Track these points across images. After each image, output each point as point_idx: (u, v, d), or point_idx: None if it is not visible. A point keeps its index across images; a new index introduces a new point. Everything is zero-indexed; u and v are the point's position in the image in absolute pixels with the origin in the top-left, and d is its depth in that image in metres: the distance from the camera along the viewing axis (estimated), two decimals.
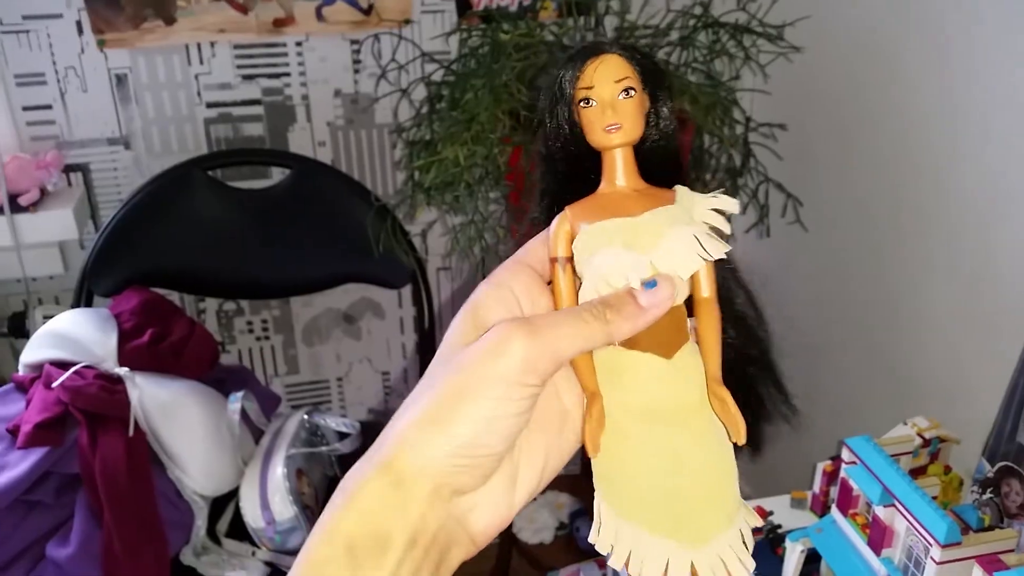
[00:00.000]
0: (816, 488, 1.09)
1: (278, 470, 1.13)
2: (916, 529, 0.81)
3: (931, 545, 0.79)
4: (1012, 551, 0.79)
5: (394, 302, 1.65)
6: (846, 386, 1.39)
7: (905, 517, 0.82)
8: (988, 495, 1.01)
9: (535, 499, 1.59)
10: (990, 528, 0.96)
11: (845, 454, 0.92)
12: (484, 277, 0.40)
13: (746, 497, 0.44)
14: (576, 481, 1.67)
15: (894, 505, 0.84)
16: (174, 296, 1.48)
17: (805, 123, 1.33)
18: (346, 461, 1.29)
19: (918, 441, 1.00)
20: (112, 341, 1.17)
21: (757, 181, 1.21)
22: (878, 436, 1.03)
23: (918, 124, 1.14)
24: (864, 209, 1.27)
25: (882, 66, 1.19)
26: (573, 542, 1.48)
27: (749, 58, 1.17)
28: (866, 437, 0.92)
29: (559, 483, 1.64)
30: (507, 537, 1.52)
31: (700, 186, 1.19)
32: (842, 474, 0.92)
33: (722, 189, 0.39)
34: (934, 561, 0.79)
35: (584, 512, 1.49)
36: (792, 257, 1.50)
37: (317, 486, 1.23)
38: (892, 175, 1.20)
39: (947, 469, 1.04)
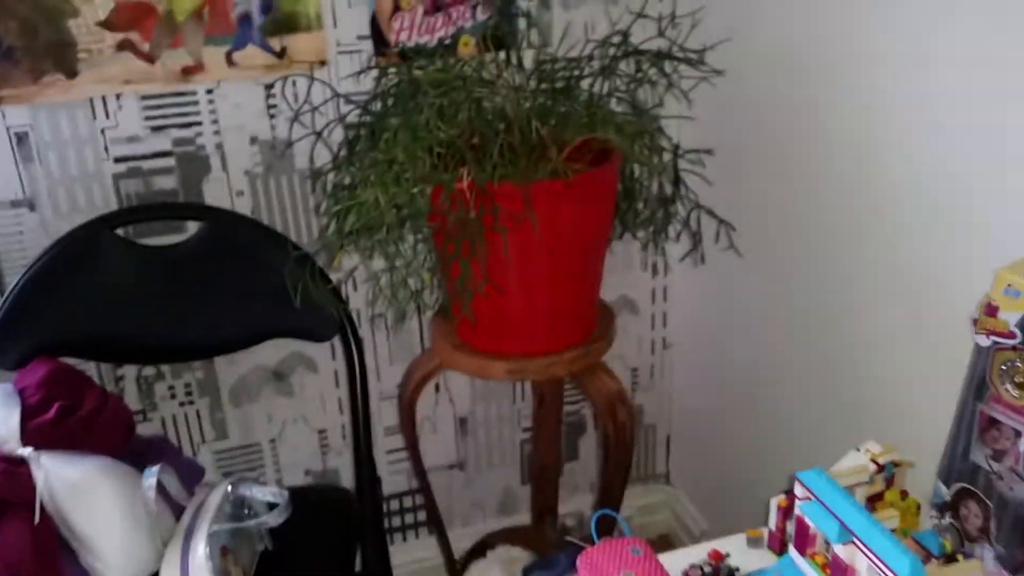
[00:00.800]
0: (772, 525, 1.05)
1: (199, 550, 1.05)
2: (878, 567, 0.77)
3: None
4: None
5: (327, 354, 1.57)
6: (794, 413, 1.36)
7: (866, 555, 0.78)
8: (947, 520, 0.98)
9: (485, 555, 1.52)
10: (952, 556, 0.93)
11: (798, 489, 0.88)
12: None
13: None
14: (528, 533, 1.61)
15: (853, 542, 0.80)
16: (89, 366, 1.39)
17: (733, 146, 1.31)
18: (281, 532, 1.21)
19: (872, 468, 0.96)
20: (14, 419, 1.08)
21: (688, 208, 1.18)
22: (831, 462, 0.99)
23: (845, 140, 1.13)
24: (800, 230, 1.25)
25: (805, 84, 1.18)
26: None
27: (672, 84, 1.14)
28: (817, 470, 0.88)
29: (513, 536, 1.58)
30: None
31: (632, 216, 1.15)
32: (796, 512, 0.88)
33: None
34: None
35: (536, 566, 1.43)
36: (729, 284, 1.47)
37: (246, 563, 1.14)
38: (825, 194, 1.18)
39: (904, 494, 1.00)
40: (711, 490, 1.77)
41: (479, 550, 1.54)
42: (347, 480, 1.67)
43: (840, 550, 0.81)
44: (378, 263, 1.10)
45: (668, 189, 1.16)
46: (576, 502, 1.85)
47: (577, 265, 1.09)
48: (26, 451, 1.05)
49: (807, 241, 1.24)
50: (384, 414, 1.66)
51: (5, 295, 1.23)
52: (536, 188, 0.96)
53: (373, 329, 1.57)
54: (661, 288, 1.74)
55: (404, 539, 1.78)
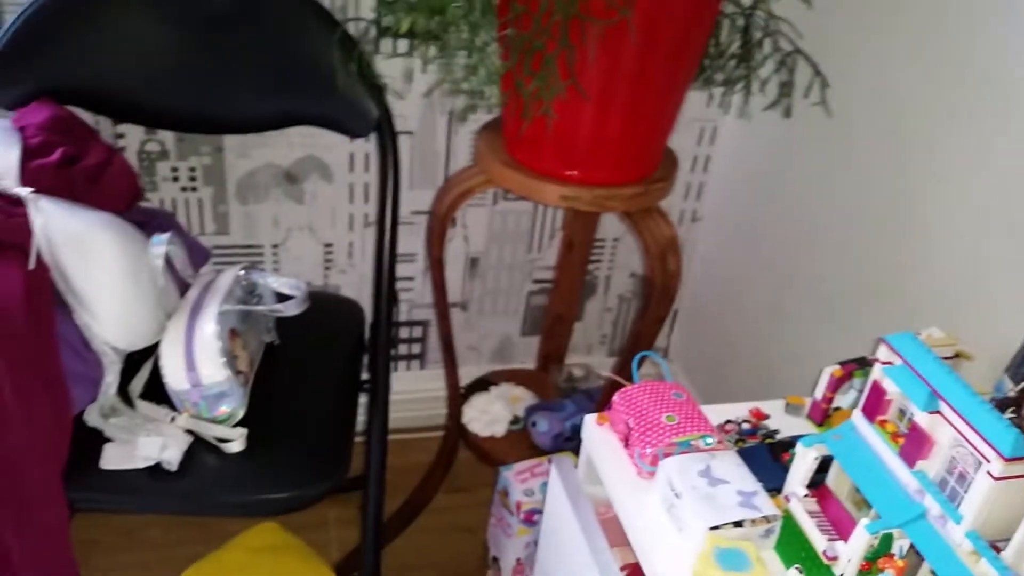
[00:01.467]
0: (819, 394, 0.99)
1: (208, 327, 0.96)
2: (968, 439, 0.70)
3: (987, 460, 0.68)
4: None
5: (344, 165, 1.46)
6: (851, 289, 1.28)
7: (954, 425, 0.72)
8: (1010, 414, 0.92)
9: (489, 390, 1.46)
10: None
11: (882, 352, 0.81)
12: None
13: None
14: (533, 376, 1.55)
15: (940, 412, 0.74)
16: (88, 119, 1.26)
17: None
18: (287, 326, 1.12)
19: (949, 348, 0.90)
20: (13, 156, 0.97)
21: (783, 51, 1.07)
22: (866, 348, 0.92)
23: (963, 22, 1.01)
24: (887, 95, 1.14)
25: None
26: (526, 438, 1.36)
27: None
28: (909, 334, 0.81)
29: (515, 376, 1.52)
30: (455, 427, 1.39)
31: (717, 52, 1.01)
32: (875, 375, 0.81)
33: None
34: (991, 476, 0.68)
35: (540, 407, 1.37)
36: (795, 147, 1.37)
37: (253, 351, 1.06)
38: (925, 59, 1.07)
39: None
40: (709, 368, 1.73)
41: (480, 385, 1.47)
42: None
43: (923, 419, 0.74)
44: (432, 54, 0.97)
45: (760, 30, 1.04)
46: (576, 361, 1.80)
47: (663, 87, 0.98)
48: (25, 191, 0.94)
49: (892, 110, 1.13)
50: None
51: (8, 26, 1.09)
52: None
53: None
54: (704, 157, 1.64)
55: (396, 369, 1.72)
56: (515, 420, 1.37)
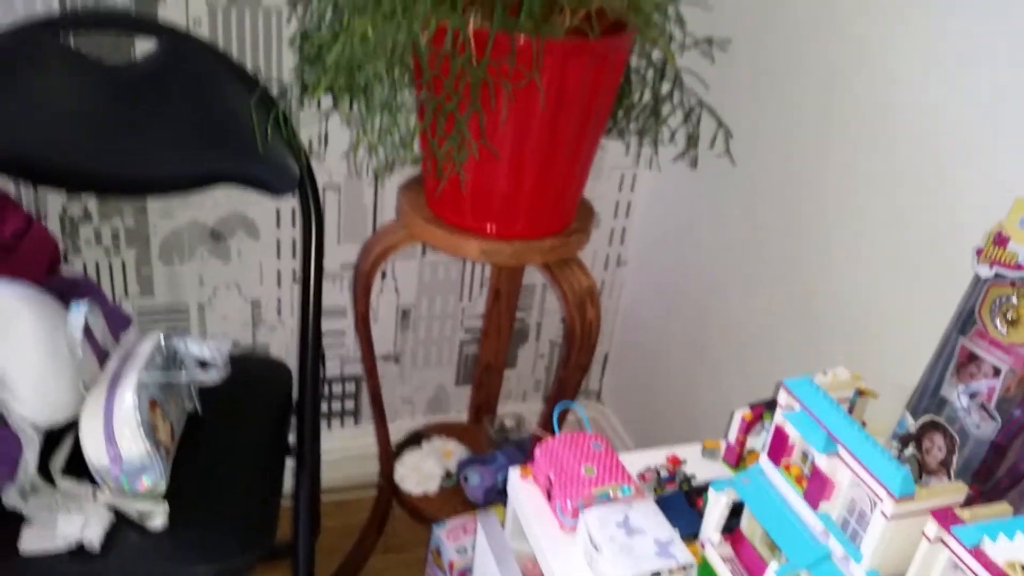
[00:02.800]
0: (732, 437, 1.02)
1: (127, 398, 0.95)
2: (864, 480, 0.74)
3: (881, 499, 0.72)
4: (961, 504, 0.73)
5: (271, 220, 1.46)
6: (751, 334, 1.33)
7: (851, 467, 0.75)
8: (911, 451, 0.97)
9: (421, 445, 1.47)
10: None
11: (782, 397, 0.84)
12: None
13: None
14: (466, 428, 1.56)
15: (838, 454, 0.77)
16: (9, 187, 1.25)
17: (733, 49, 1.24)
18: (211, 392, 1.12)
19: (850, 389, 0.94)
20: None
21: (688, 106, 1.12)
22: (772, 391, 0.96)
23: (858, 56, 1.07)
24: (789, 145, 1.20)
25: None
26: (459, 493, 1.37)
27: None
28: (807, 379, 0.85)
29: (448, 430, 1.53)
30: (387, 486, 1.39)
31: (627, 108, 1.07)
32: (777, 420, 0.85)
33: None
34: (884, 516, 0.72)
35: (473, 461, 1.38)
36: (706, 195, 1.42)
37: (174, 422, 1.06)
38: (824, 111, 1.13)
39: (863, 425, 0.98)
40: (640, 410, 1.76)
41: (413, 440, 1.48)
42: (277, 358, 1.58)
43: (823, 462, 0.78)
44: (358, 111, 1.00)
45: (669, 82, 1.09)
46: (510, 408, 1.81)
47: (573, 143, 1.01)
48: None
49: (799, 155, 1.19)
50: (322, 295, 1.56)
51: None
52: (551, 45, 0.88)
53: (325, 200, 1.47)
54: (626, 203, 1.69)
55: (328, 427, 1.71)
56: (448, 475, 1.38)
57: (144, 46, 1.22)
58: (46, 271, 1.06)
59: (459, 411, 1.79)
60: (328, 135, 1.40)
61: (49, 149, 1.11)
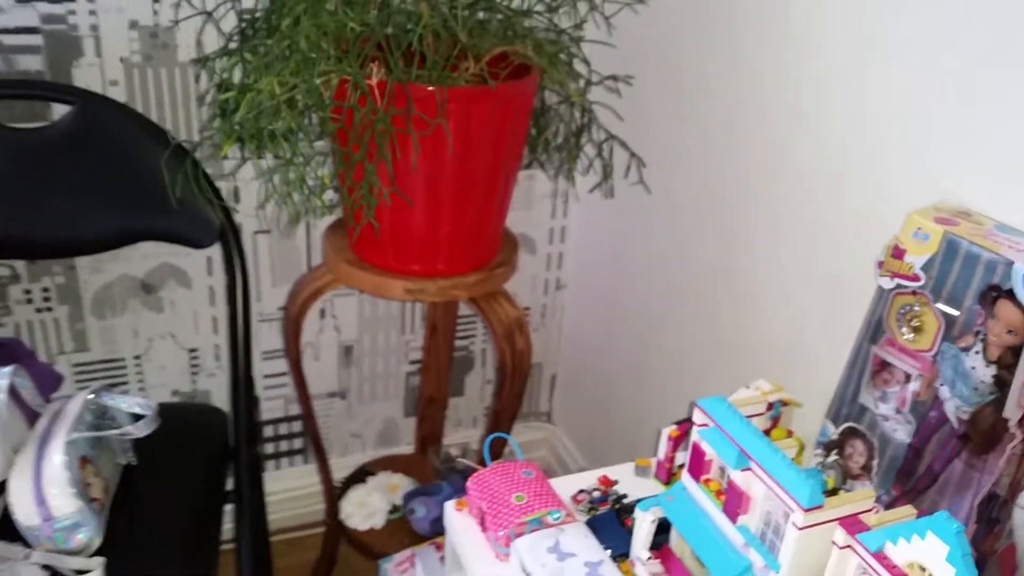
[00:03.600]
0: (661, 455, 1.04)
1: (56, 458, 0.95)
2: (776, 493, 0.76)
3: (793, 510, 0.74)
4: (870, 511, 0.76)
5: (202, 268, 1.47)
6: (686, 351, 1.36)
7: (763, 481, 0.78)
8: (833, 457, 1.00)
9: (366, 481, 1.47)
10: (834, 491, 0.95)
11: (697, 416, 0.87)
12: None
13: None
14: (412, 460, 1.57)
15: (751, 469, 0.80)
16: None
17: (646, 81, 1.28)
18: (146, 445, 1.12)
19: (763, 402, 0.97)
20: None
21: (600, 139, 1.15)
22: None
23: (760, 86, 1.12)
24: (705, 170, 1.24)
25: (726, 25, 1.15)
26: (406, 525, 1.38)
27: (594, 7, 1.10)
28: (720, 398, 0.87)
29: (394, 463, 1.53)
30: (334, 524, 1.40)
31: (543, 143, 1.10)
32: (694, 437, 0.87)
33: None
34: (795, 526, 0.74)
35: (418, 492, 1.39)
36: (627, 225, 1.45)
37: (108, 476, 1.05)
38: (734, 136, 1.17)
39: (789, 433, 1.01)
40: (590, 429, 1.78)
41: (358, 477, 1.48)
42: (219, 403, 1.58)
43: (737, 476, 0.80)
44: (268, 163, 1.01)
45: (580, 118, 1.12)
46: (460, 436, 1.82)
47: (487, 183, 1.04)
48: None
49: (711, 181, 1.23)
50: (262, 338, 1.57)
51: None
52: (453, 93, 0.90)
53: (255, 245, 1.48)
54: (560, 229, 1.71)
55: (277, 467, 1.71)
56: (394, 509, 1.39)
57: (60, 107, 1.23)
58: None
59: (410, 443, 1.80)
60: (254, 181, 1.41)
61: None
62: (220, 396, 1.59)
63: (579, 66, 1.14)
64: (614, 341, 1.61)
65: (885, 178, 0.98)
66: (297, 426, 1.70)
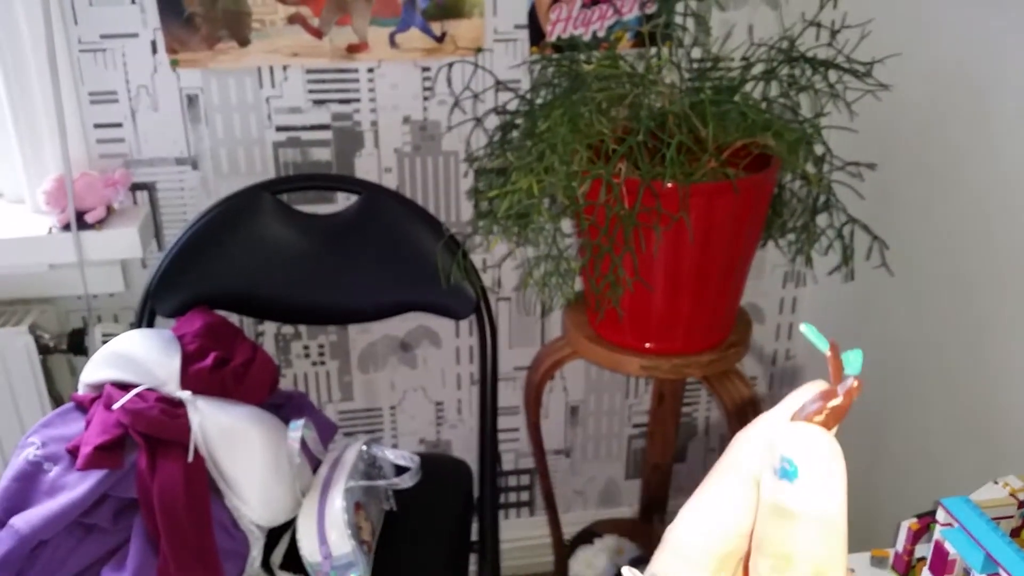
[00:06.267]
0: (900, 547, 1.03)
1: (337, 503, 1.10)
2: None
3: None
4: None
5: (451, 331, 1.62)
6: (926, 437, 1.32)
7: None
8: None
9: (593, 542, 1.54)
10: None
11: (941, 515, 0.86)
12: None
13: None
14: (637, 525, 1.62)
15: (998, 574, 0.79)
16: (234, 319, 1.47)
17: (890, 163, 1.28)
18: (404, 496, 1.26)
19: (1013, 503, 0.94)
20: (175, 363, 1.16)
21: (841, 221, 1.17)
22: (961, 493, 0.97)
23: (1009, 168, 1.09)
24: (952, 254, 1.22)
25: (972, 106, 1.14)
26: None
27: (836, 95, 1.13)
28: (964, 498, 0.87)
29: (619, 527, 1.59)
30: None
31: (780, 225, 1.14)
32: (937, 536, 0.87)
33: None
34: None
35: (645, 558, 1.44)
36: (865, 303, 1.44)
37: (374, 520, 1.20)
38: (982, 219, 1.15)
39: None
40: None
41: (585, 537, 1.56)
42: (457, 452, 1.72)
43: None
44: (526, 250, 1.13)
45: (821, 200, 1.14)
46: (682, 502, 1.84)
47: (724, 270, 1.09)
48: (185, 394, 1.12)
49: (958, 265, 1.20)
50: (500, 395, 1.69)
51: (171, 247, 1.32)
52: (696, 189, 0.97)
53: (497, 311, 1.61)
54: (791, 299, 1.72)
55: (506, 517, 1.82)
56: (619, 573, 1.44)
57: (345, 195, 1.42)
58: (268, 392, 1.24)
59: (631, 503, 1.85)
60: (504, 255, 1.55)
61: (270, 290, 1.31)
62: (459, 446, 1.73)
63: (819, 149, 1.17)
64: (848, 422, 1.58)
65: None
66: (525, 479, 1.80)
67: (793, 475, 0.28)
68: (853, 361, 0.30)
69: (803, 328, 0.32)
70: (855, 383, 0.29)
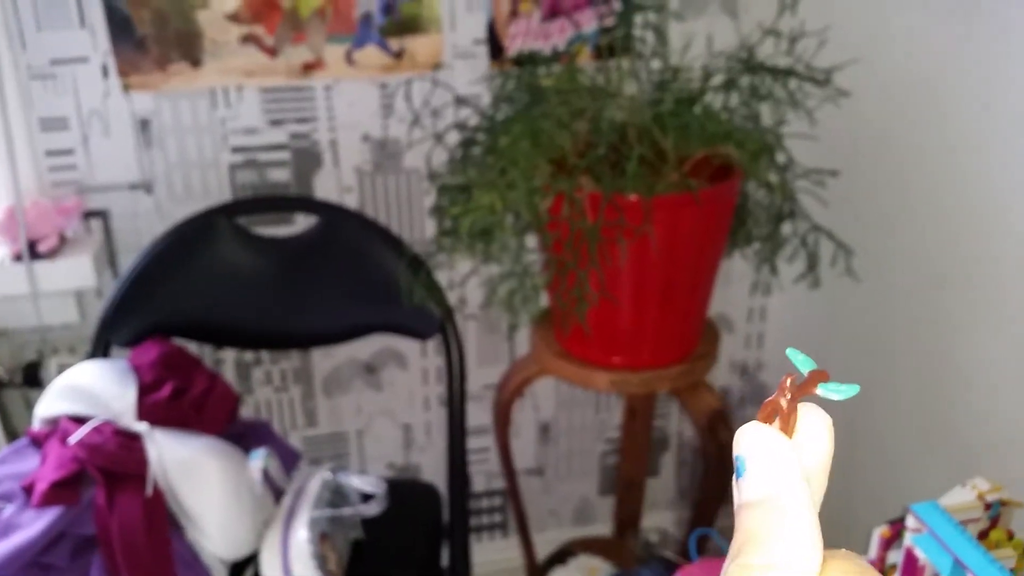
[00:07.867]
0: (873, 555, 1.02)
1: (301, 534, 1.07)
2: None
3: None
4: None
5: (417, 352, 1.59)
6: (895, 442, 1.32)
7: None
8: None
9: (567, 562, 1.52)
10: None
11: (910, 521, 0.86)
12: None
13: None
14: (611, 543, 1.60)
15: None
16: (193, 346, 1.44)
17: (853, 169, 1.28)
18: (371, 524, 1.23)
19: (980, 506, 0.93)
20: (131, 395, 1.12)
21: (804, 229, 1.16)
22: (931, 497, 0.96)
23: (970, 170, 1.10)
24: (917, 258, 1.22)
25: (930, 110, 1.15)
26: None
27: (796, 103, 1.13)
28: (932, 503, 0.86)
29: (593, 546, 1.57)
30: None
31: (744, 235, 1.13)
32: (907, 543, 0.86)
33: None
34: None
35: None
36: (832, 309, 1.44)
37: (341, 550, 1.16)
38: (946, 223, 1.15)
39: (1010, 535, 0.97)
40: None
41: (559, 557, 1.54)
42: (427, 475, 1.69)
43: None
44: (491, 268, 1.11)
45: (785, 209, 1.14)
46: (656, 518, 1.84)
47: (690, 281, 1.08)
48: (142, 427, 1.08)
49: (924, 269, 1.21)
50: (468, 415, 1.67)
51: (124, 275, 1.28)
52: (659, 202, 0.96)
53: (465, 329, 1.59)
54: (759, 308, 1.72)
55: (478, 539, 1.79)
56: None
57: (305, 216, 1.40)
58: (228, 420, 1.20)
59: (604, 521, 1.83)
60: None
61: (229, 316, 1.28)
62: (429, 469, 1.70)
63: (781, 157, 1.16)
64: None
65: None
66: (497, 500, 1.78)
67: (741, 471, 0.31)
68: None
69: (788, 353, 0.33)
70: (787, 379, 0.31)
